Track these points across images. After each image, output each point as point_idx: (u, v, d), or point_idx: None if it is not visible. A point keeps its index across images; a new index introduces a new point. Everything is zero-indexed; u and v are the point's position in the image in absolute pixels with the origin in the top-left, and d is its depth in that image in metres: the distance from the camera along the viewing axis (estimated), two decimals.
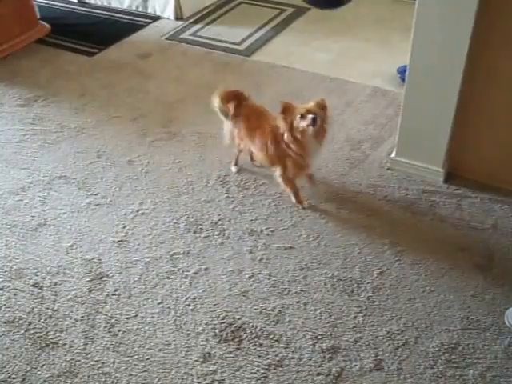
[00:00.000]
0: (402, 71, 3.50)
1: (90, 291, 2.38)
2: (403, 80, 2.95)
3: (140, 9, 4.72)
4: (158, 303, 2.33)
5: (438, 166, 2.87)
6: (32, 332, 2.24)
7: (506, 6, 2.45)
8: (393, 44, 4.09)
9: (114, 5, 4.82)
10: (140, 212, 2.74)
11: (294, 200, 2.78)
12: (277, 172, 2.75)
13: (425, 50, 2.59)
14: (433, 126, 2.77)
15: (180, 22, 4.51)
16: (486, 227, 2.66)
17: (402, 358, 2.14)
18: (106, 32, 4.41)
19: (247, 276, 2.43)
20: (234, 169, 2.99)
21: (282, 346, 2.17)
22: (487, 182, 2.87)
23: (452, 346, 2.18)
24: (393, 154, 2.97)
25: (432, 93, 2.68)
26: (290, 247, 2.56)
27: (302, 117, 2.52)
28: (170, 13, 4.56)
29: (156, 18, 4.60)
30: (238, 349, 2.16)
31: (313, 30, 4.42)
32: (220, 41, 4.23)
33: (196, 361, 2.12)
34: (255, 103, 2.84)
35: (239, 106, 2.78)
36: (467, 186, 2.88)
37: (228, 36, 4.29)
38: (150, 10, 4.68)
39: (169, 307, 2.31)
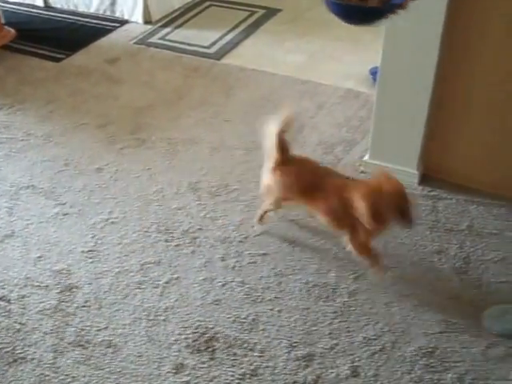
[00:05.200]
0: (374, 72, 3.47)
1: (59, 303, 2.32)
2: (376, 81, 2.92)
3: (108, 13, 4.64)
4: (129, 314, 2.27)
5: (413, 168, 2.84)
6: None
7: (477, 4, 2.43)
8: (365, 44, 4.07)
9: (81, 9, 4.73)
10: (109, 221, 2.68)
11: (373, 268, 2.40)
12: (346, 237, 2.38)
13: (396, 51, 2.57)
14: (406, 127, 2.74)
15: (149, 26, 4.45)
16: (462, 229, 2.64)
17: (379, 364, 2.10)
18: (73, 37, 4.33)
19: (220, 284, 2.38)
20: (258, 228, 2.61)
21: (256, 354, 2.13)
22: (462, 183, 2.86)
23: (430, 349, 2.15)
24: (366, 157, 2.94)
25: (404, 94, 2.66)
26: (264, 254, 2.51)
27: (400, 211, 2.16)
28: (138, 16, 4.50)
29: (124, 22, 4.53)
30: (212, 359, 2.11)
31: (284, 31, 4.39)
32: (189, 44, 4.18)
33: (169, 372, 2.07)
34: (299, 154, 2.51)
35: (285, 153, 2.39)
36: (442, 188, 2.86)
37: (197, 39, 4.24)
38: (117, 14, 4.61)
39: (140, 318, 2.25)
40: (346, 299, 2.32)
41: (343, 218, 2.31)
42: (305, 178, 2.38)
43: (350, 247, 2.38)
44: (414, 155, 2.81)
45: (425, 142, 2.78)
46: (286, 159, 2.38)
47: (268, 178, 2.43)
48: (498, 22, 2.46)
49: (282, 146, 2.36)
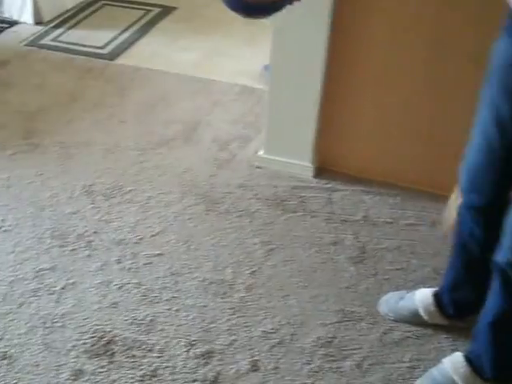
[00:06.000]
0: (268, 68, 3.50)
1: None
2: None
3: None
4: (25, 323, 2.21)
5: (307, 161, 2.88)
6: None
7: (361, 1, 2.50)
8: (260, 41, 4.09)
9: None
10: (2, 229, 2.60)
11: None
12: None
13: (284, 46, 2.61)
14: (298, 122, 2.79)
15: (40, 27, 4.32)
16: (357, 219, 2.70)
17: (278, 357, 2.12)
18: None
19: (116, 287, 2.35)
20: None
21: (155, 355, 2.11)
22: (357, 174, 2.92)
23: (328, 339, 2.19)
24: (261, 152, 2.96)
25: (295, 89, 2.70)
26: (159, 254, 2.50)
27: None
28: (28, 17, 4.35)
29: (13, 23, 4.38)
30: (111, 362, 2.09)
31: (179, 29, 4.37)
32: (83, 45, 4.09)
33: (67, 379, 2.03)
34: None
35: None
36: (337, 180, 2.91)
37: (91, 40, 4.16)
38: (6, 15, 4.43)
39: (36, 326, 2.20)
40: (243, 294, 2.34)
41: None
42: None
43: None
44: (307, 149, 2.85)
45: (318, 136, 2.83)
46: None
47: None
48: (381, 16, 2.54)
49: None
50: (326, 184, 2.89)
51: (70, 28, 4.35)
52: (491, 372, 1.94)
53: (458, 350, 2.09)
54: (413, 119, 2.74)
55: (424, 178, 2.86)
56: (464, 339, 2.16)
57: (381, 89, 2.70)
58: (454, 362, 2.01)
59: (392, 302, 2.29)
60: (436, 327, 2.24)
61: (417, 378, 2.07)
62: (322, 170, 2.95)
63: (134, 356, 2.11)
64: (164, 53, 4.04)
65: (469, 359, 1.98)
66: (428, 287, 2.28)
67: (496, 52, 1.75)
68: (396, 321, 2.25)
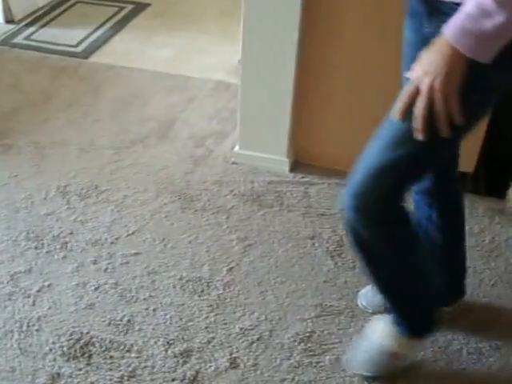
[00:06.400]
0: None
1: None
2: None
3: None
4: (0, 328, 2.18)
5: (283, 155, 2.88)
6: None
7: None
8: (235, 35, 4.02)
9: None
10: None
11: None
12: None
13: (255, 40, 2.59)
14: (273, 116, 2.78)
15: (11, 26, 4.27)
16: (334, 212, 2.69)
17: (257, 354, 2.12)
18: None
19: (93, 288, 2.33)
20: None
21: (133, 355, 2.10)
22: (333, 166, 2.91)
23: (307, 334, 2.18)
24: (236, 148, 2.95)
25: (268, 83, 2.69)
26: (136, 253, 2.48)
27: None
28: None
29: None
30: (89, 364, 2.07)
31: (153, 26, 4.35)
32: (56, 44, 4.06)
33: (44, 383, 2.01)
34: None
35: None
36: (314, 173, 2.91)
37: (64, 38, 4.12)
38: None
39: (12, 330, 2.17)
40: (221, 292, 2.33)
41: None
42: None
43: None
44: (282, 143, 2.84)
45: (293, 130, 2.82)
46: None
47: None
48: (355, 9, 2.53)
49: None
50: (303, 178, 2.88)
51: (42, 26, 4.31)
52: (406, 328, 1.98)
53: (437, 341, 2.10)
54: (388, 109, 2.73)
55: None
56: (446, 329, 2.17)
57: (355, 81, 2.70)
58: (376, 326, 2.06)
59: (370, 296, 2.29)
60: None
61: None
62: (299, 164, 2.95)
63: (111, 357, 2.10)
64: (138, 50, 4.01)
65: (389, 321, 2.01)
66: None
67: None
68: (374, 314, 2.25)
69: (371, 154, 1.68)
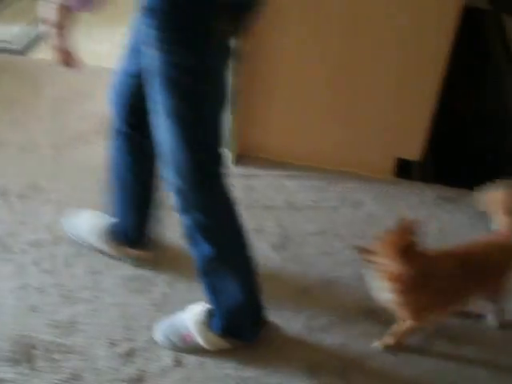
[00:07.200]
0: None
1: None
2: None
3: None
4: None
5: (226, 149, 2.86)
6: None
7: None
8: None
9: None
10: None
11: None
12: None
13: None
14: None
15: None
16: (279, 204, 2.70)
17: (202, 351, 2.10)
18: None
19: (34, 290, 2.29)
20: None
21: (77, 357, 2.07)
22: (278, 159, 2.93)
23: None
24: None
25: None
26: (78, 253, 2.44)
27: None
28: None
29: None
30: (32, 368, 2.03)
31: (93, 20, 4.23)
32: None
33: None
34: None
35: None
36: (258, 166, 2.91)
37: (1, 34, 4.03)
38: None
39: None
40: (165, 290, 2.32)
41: None
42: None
43: None
44: (225, 136, 2.82)
45: (237, 123, 2.81)
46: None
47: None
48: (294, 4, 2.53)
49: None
50: (247, 171, 2.88)
51: None
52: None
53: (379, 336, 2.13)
54: (333, 101, 2.75)
55: (346, 159, 2.88)
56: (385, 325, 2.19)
57: (297, 74, 2.70)
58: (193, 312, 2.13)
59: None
60: (358, 314, 2.26)
61: None
62: (243, 157, 2.94)
63: (55, 360, 2.06)
64: (79, 45, 3.92)
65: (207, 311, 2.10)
66: (353, 270, 2.33)
67: None
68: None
69: None
